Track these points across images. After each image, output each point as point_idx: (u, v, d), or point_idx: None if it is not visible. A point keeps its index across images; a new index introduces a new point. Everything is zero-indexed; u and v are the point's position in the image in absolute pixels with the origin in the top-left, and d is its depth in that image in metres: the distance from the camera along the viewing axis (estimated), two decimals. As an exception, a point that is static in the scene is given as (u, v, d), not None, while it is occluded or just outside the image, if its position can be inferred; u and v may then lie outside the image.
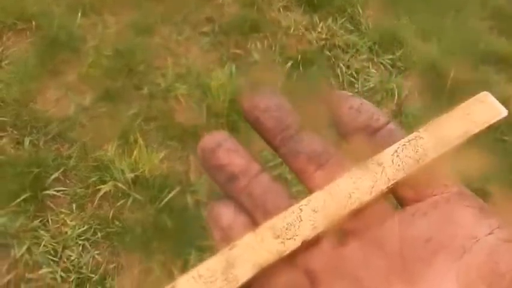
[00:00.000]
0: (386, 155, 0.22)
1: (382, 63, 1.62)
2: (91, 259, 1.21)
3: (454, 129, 0.22)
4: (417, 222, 0.20)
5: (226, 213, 0.22)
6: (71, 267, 1.19)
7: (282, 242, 0.21)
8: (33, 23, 1.56)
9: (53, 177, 1.29)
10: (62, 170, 1.30)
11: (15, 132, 1.36)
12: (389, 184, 0.21)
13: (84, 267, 1.20)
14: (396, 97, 1.55)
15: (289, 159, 0.23)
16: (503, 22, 1.77)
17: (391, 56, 1.63)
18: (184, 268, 1.18)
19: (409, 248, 0.20)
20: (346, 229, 0.21)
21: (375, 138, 0.23)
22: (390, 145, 0.22)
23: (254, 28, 1.63)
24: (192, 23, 1.63)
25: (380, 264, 0.20)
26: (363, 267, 0.20)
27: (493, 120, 0.22)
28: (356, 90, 1.55)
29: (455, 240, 0.19)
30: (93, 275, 1.19)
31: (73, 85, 1.41)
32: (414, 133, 0.22)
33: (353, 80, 1.57)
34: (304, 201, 0.21)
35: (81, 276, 1.19)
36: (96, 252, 1.23)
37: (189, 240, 1.23)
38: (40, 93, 1.43)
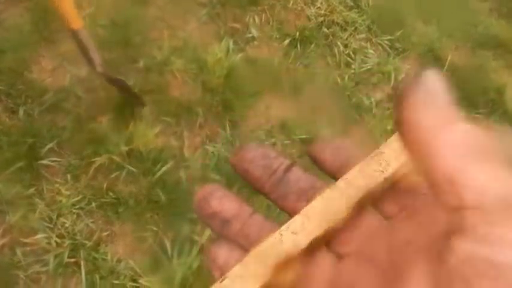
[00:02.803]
0: (353, 172, 0.23)
1: (380, 43, 1.59)
2: (85, 227, 1.24)
3: None
4: (401, 228, 0.21)
5: (222, 252, 0.23)
6: (66, 234, 1.22)
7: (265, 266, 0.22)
8: (27, -15, 1.52)
9: (47, 147, 1.29)
10: (56, 140, 1.30)
11: (9, 101, 1.34)
12: (360, 195, 0.23)
13: (79, 234, 1.22)
14: (393, 80, 1.53)
15: (280, 202, 0.24)
16: (503, 5, 1.73)
17: (389, 37, 1.59)
18: (176, 239, 1.22)
19: (395, 253, 0.20)
20: (341, 251, 0.23)
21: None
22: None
23: (252, 0, 1.60)
24: (189, -8, 1.58)
25: (373, 273, 0.21)
26: (358, 281, 0.21)
27: None
28: (352, 71, 1.53)
29: (433, 241, 0.19)
30: (87, 242, 1.22)
31: (69, 55, 1.38)
32: (375, 150, 0.24)
33: (350, 60, 1.54)
34: (283, 227, 0.23)
35: (75, 242, 1.21)
36: (90, 220, 1.25)
37: (181, 214, 1.25)
38: (35, 62, 1.41)
